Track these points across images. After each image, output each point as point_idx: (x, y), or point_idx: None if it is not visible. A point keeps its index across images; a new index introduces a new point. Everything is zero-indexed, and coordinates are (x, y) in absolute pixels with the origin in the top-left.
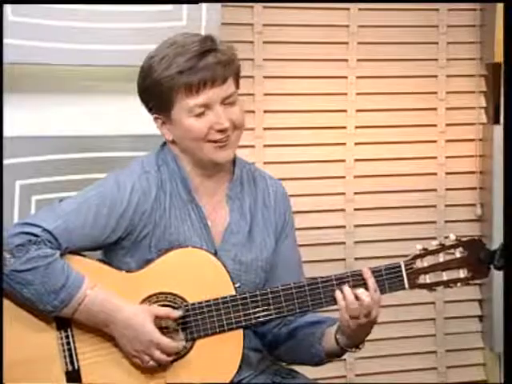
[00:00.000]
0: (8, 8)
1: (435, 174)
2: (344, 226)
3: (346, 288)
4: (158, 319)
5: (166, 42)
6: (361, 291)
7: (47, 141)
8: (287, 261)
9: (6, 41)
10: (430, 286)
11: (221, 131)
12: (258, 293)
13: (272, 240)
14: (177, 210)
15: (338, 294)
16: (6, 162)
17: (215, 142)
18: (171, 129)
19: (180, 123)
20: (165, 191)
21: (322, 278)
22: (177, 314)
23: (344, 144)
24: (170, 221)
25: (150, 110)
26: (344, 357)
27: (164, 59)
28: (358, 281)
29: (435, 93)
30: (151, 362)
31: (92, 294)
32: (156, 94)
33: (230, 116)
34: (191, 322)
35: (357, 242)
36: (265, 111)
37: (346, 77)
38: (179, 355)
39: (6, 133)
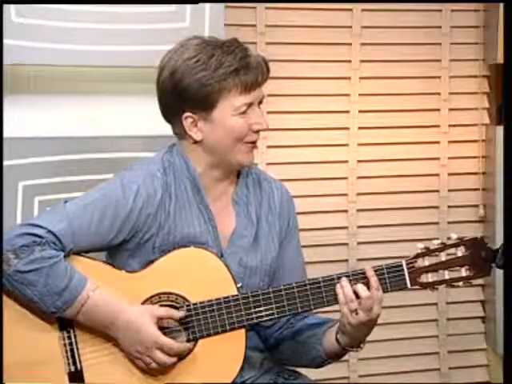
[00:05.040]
0: (12, 9)
1: (438, 174)
2: (347, 227)
3: (345, 283)
4: (160, 320)
5: (187, 44)
6: (359, 286)
7: (50, 142)
8: (291, 264)
9: (7, 41)
10: (432, 285)
11: (258, 132)
12: (259, 292)
13: (276, 244)
14: (183, 212)
15: (337, 288)
16: (9, 162)
17: (251, 143)
18: (206, 128)
19: (222, 122)
20: (170, 193)
21: (324, 277)
22: (179, 314)
23: (347, 145)
24: (175, 223)
25: (175, 111)
26: (346, 358)
27: (212, 58)
28: (360, 279)
29: (438, 93)
30: (153, 364)
31: (94, 295)
32: (198, 93)
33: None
34: (193, 322)
35: (360, 243)
36: (268, 112)
37: (348, 78)
38: (182, 356)
39: (10, 133)
